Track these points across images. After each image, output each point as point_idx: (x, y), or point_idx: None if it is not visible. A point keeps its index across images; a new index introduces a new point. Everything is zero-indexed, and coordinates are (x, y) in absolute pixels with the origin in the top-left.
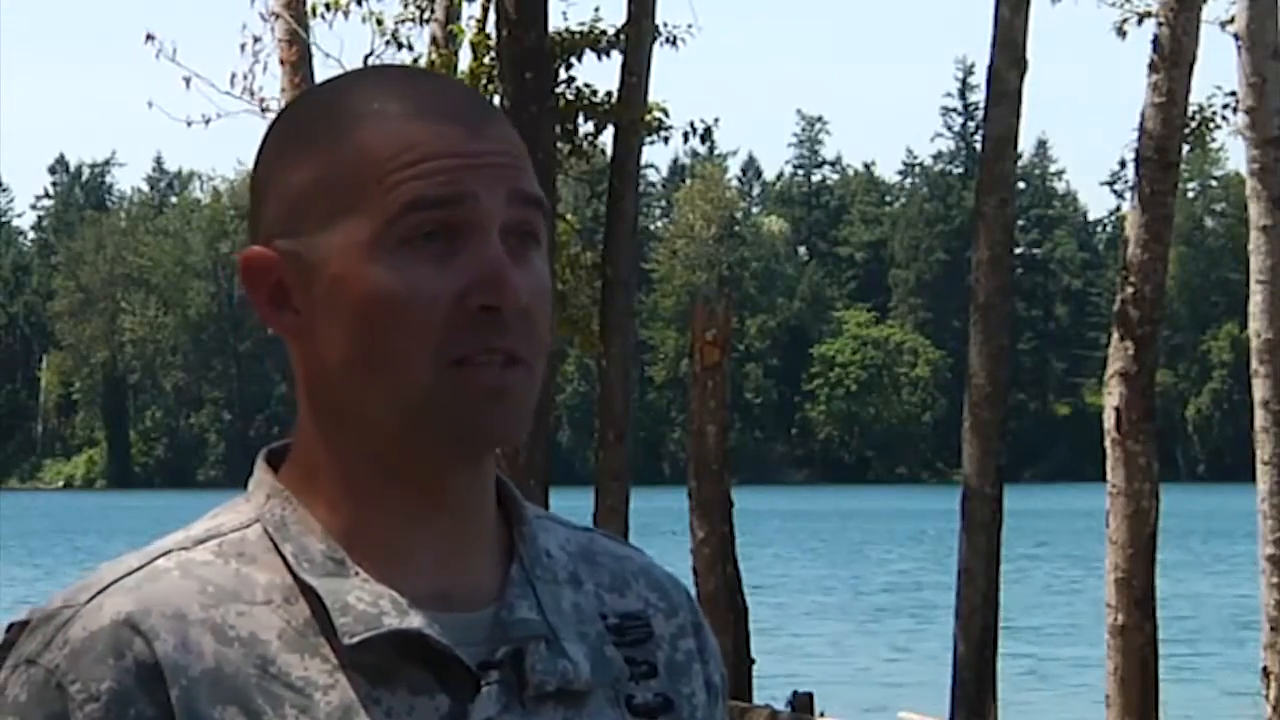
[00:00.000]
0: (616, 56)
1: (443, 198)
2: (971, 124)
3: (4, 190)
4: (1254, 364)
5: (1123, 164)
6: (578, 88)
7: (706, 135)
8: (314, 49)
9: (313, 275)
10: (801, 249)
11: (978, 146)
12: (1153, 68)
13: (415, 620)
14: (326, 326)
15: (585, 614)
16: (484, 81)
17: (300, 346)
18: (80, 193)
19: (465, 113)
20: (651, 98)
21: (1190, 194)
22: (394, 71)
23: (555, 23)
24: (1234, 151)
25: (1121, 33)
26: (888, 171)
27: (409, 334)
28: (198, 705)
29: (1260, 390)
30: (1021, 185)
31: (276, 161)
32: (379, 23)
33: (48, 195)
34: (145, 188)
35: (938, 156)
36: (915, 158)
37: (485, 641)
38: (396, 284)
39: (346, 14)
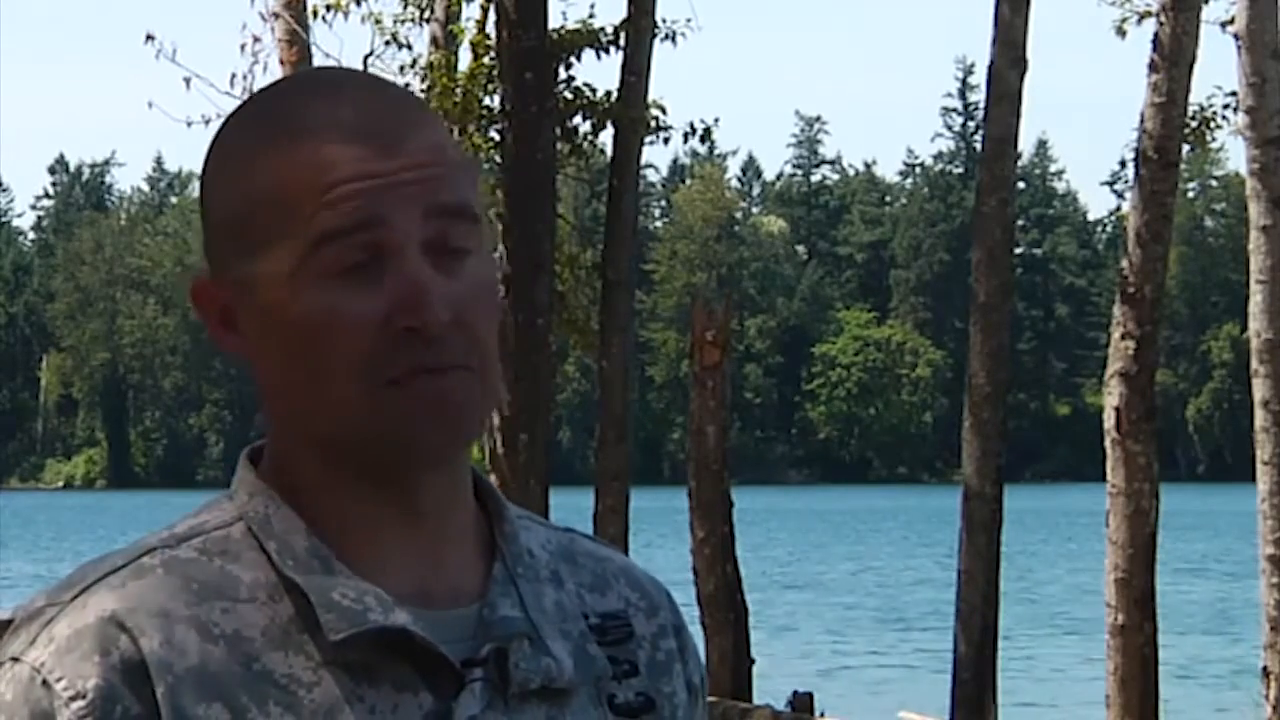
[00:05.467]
0: (616, 55)
1: (352, 225)
2: (971, 124)
3: (4, 190)
4: (1254, 364)
5: (1123, 164)
6: (577, 87)
7: (706, 135)
8: (314, 49)
9: (249, 302)
10: (801, 249)
11: (978, 146)
12: (1153, 68)
13: (400, 617)
14: (265, 351)
15: (567, 612)
16: (484, 81)
17: (253, 364)
18: (80, 193)
19: (381, 126)
20: (651, 97)
21: (1190, 194)
22: (312, 83)
23: (554, 22)
24: (1234, 151)
25: (1121, 33)
26: (888, 171)
27: (339, 360)
28: (183, 702)
29: (1260, 390)
30: (1021, 185)
31: (209, 190)
32: (379, 23)
33: (48, 195)
34: (145, 188)
35: (938, 156)
36: (915, 158)
37: (468, 639)
38: (320, 312)
39: (346, 14)
